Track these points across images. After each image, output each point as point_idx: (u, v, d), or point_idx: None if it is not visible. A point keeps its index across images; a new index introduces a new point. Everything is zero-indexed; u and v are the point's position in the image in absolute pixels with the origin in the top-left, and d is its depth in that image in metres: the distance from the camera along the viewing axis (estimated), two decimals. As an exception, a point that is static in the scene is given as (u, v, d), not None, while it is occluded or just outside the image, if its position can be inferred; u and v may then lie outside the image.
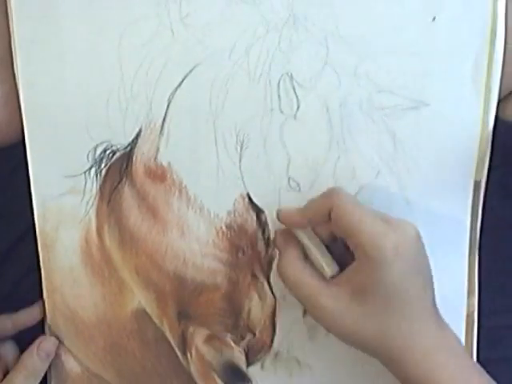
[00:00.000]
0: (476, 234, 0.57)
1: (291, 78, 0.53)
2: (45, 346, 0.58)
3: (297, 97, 0.53)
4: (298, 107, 0.54)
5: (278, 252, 0.55)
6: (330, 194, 0.51)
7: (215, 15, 0.54)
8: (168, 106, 0.54)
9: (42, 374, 0.59)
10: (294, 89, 0.53)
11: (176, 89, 0.54)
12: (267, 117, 0.54)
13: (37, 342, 0.59)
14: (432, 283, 0.51)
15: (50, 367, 0.61)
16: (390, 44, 0.54)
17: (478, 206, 0.57)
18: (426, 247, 0.51)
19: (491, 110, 0.55)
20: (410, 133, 0.55)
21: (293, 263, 0.53)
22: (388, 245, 0.48)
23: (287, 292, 0.56)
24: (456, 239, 0.57)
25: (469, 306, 0.58)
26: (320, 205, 0.52)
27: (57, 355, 0.61)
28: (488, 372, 0.50)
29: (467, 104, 0.54)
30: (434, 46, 0.54)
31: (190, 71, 0.53)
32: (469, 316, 0.58)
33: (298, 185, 0.55)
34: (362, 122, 0.54)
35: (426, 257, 0.51)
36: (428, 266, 0.51)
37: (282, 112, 0.54)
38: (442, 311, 0.51)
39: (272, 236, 0.58)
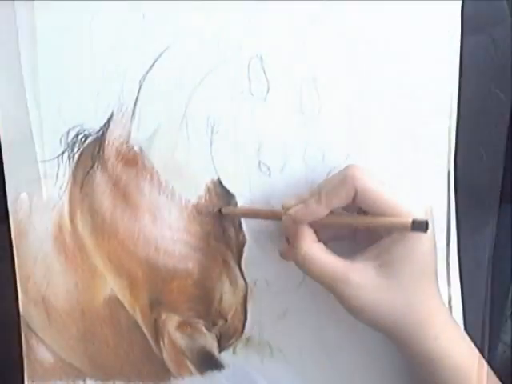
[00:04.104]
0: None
1: (261, 60, 0.48)
2: None
3: (267, 79, 0.49)
4: (268, 90, 0.49)
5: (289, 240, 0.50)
6: (352, 177, 0.45)
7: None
8: (139, 90, 0.49)
9: None
10: (264, 71, 0.48)
11: (147, 72, 0.49)
12: (237, 100, 0.50)
13: None
14: None
15: (22, 357, 0.55)
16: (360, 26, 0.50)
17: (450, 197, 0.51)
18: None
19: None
20: (379, 114, 0.50)
21: (314, 246, 0.48)
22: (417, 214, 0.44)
23: (258, 277, 0.54)
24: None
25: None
26: (343, 191, 0.46)
27: (29, 344, 0.54)
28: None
29: (438, 84, 0.50)
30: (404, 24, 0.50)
31: (161, 54, 0.49)
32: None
33: (269, 169, 0.51)
34: (332, 104, 0.49)
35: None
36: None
37: (252, 95, 0.49)
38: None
39: (243, 220, 0.51)
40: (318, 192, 0.47)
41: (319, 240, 0.48)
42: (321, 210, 0.46)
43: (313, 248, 0.47)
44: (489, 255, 0.51)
